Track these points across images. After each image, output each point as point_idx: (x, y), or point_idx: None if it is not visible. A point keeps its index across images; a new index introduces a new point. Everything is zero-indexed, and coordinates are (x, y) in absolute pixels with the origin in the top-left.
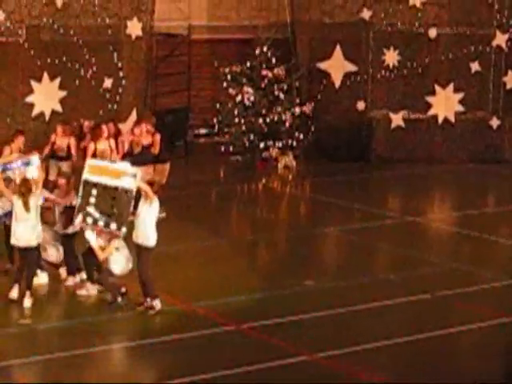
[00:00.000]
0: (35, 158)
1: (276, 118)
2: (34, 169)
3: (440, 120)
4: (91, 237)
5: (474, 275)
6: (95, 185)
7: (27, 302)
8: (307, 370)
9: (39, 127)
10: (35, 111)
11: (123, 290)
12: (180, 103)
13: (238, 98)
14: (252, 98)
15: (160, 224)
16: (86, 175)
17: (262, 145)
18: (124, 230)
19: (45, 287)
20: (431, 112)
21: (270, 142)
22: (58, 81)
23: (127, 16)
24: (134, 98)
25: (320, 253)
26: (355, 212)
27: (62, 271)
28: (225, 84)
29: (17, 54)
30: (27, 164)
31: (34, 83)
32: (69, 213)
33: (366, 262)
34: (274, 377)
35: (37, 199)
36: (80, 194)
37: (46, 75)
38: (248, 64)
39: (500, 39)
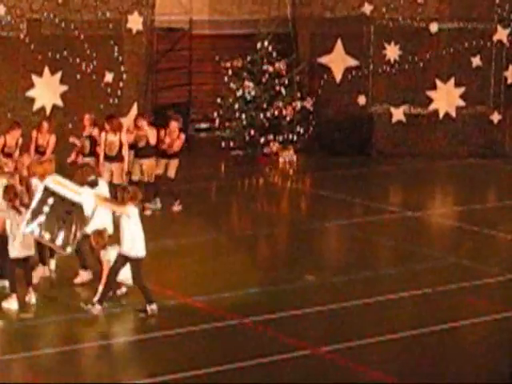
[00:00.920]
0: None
1: (277, 113)
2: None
3: (441, 115)
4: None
5: (475, 270)
6: (53, 194)
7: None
8: (309, 364)
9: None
10: (36, 106)
11: (124, 290)
12: (181, 98)
13: (239, 93)
14: (253, 93)
15: (160, 218)
16: (49, 182)
17: (262, 139)
18: (69, 249)
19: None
20: (432, 107)
21: (271, 137)
22: (58, 75)
23: (128, 10)
24: (134, 92)
25: (321, 247)
26: (356, 206)
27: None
28: (226, 79)
29: (18, 49)
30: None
31: (34, 77)
32: None
33: (367, 257)
34: (276, 371)
35: None
36: (38, 198)
37: (46, 69)
38: (249, 59)
39: (501, 34)
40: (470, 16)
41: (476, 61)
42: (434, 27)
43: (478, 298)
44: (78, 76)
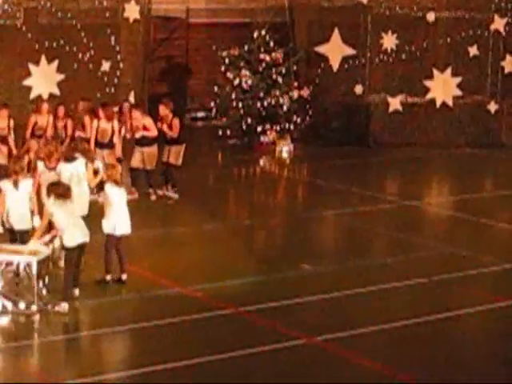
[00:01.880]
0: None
1: (274, 102)
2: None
3: (438, 104)
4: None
5: (472, 259)
6: None
7: None
8: (304, 354)
9: None
10: (33, 94)
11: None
12: (177, 87)
13: (236, 82)
14: (250, 82)
15: (156, 208)
16: None
17: (259, 128)
18: None
19: None
20: (429, 96)
21: (268, 126)
22: (55, 64)
23: None
24: (131, 81)
25: (317, 237)
26: (352, 196)
27: None
28: (222, 67)
29: (14, 37)
30: None
31: (31, 66)
32: None
33: (364, 246)
34: (270, 360)
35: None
36: None
37: (43, 58)
38: (246, 48)
39: (498, 23)
40: (467, 5)
41: (473, 50)
42: (431, 16)
43: (474, 288)
44: (75, 65)
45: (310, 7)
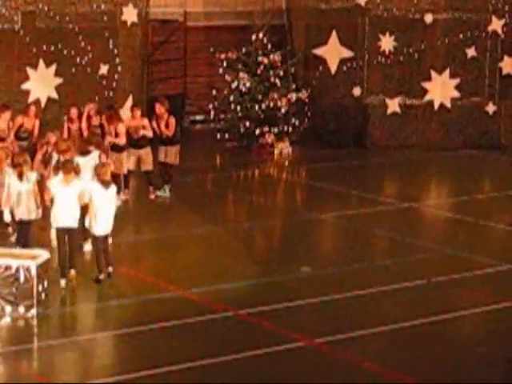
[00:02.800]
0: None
1: (272, 105)
2: None
3: (436, 106)
4: None
5: (470, 261)
6: None
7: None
8: (304, 356)
9: None
10: (31, 98)
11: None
12: (176, 90)
13: (234, 85)
14: (248, 85)
15: (156, 211)
16: None
17: (257, 131)
18: None
19: None
20: (427, 98)
21: (266, 129)
22: (53, 68)
23: (123, 2)
24: (129, 84)
25: (316, 239)
26: (351, 198)
27: None
28: (221, 70)
29: (12, 41)
30: None
31: (29, 70)
32: None
33: (363, 248)
34: (271, 363)
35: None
36: None
37: (41, 62)
38: (244, 50)
39: (496, 24)
40: (464, 7)
41: (471, 52)
42: (428, 18)
43: (472, 289)
44: (73, 68)
45: (308, 10)
